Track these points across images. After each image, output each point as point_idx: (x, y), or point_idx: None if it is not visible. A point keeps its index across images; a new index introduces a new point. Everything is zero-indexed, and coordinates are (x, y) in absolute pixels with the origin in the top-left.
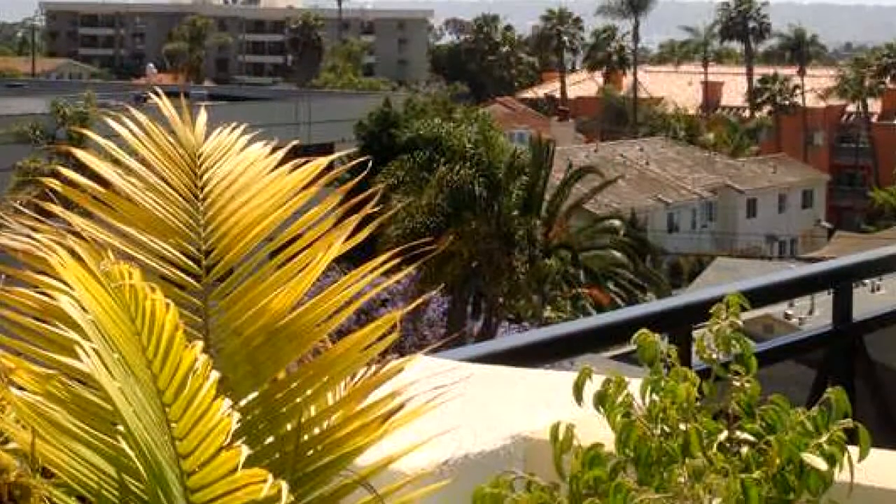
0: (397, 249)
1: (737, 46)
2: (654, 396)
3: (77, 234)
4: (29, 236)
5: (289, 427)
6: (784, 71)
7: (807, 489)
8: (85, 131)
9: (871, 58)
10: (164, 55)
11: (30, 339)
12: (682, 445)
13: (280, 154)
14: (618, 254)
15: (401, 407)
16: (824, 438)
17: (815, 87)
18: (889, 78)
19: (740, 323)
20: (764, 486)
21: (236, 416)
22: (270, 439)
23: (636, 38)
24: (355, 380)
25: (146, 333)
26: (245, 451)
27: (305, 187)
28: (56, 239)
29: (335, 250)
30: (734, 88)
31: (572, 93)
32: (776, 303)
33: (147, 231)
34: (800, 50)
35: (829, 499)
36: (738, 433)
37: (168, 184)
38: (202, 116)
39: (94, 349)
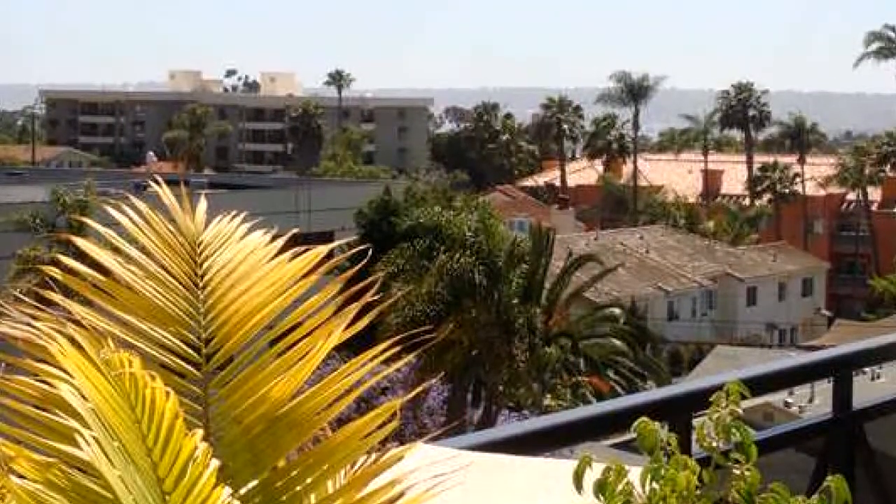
0: (397, 337)
1: (737, 134)
2: (655, 485)
3: (77, 323)
4: (29, 324)
5: None
6: (784, 159)
7: None
8: (85, 219)
9: (871, 146)
10: (164, 143)
11: (30, 427)
12: None
13: (280, 242)
14: (618, 342)
15: (401, 495)
16: None
17: (815, 175)
18: (889, 166)
19: (740, 411)
20: None
21: None
22: None
23: (636, 126)
24: (355, 468)
25: (146, 421)
26: None
27: (305, 275)
28: (56, 327)
29: (335, 338)
30: (734, 176)
31: (572, 181)
32: (776, 391)
33: (147, 319)
34: (800, 138)
35: None
36: None
37: (168, 272)
38: (202, 204)
39: (94, 437)
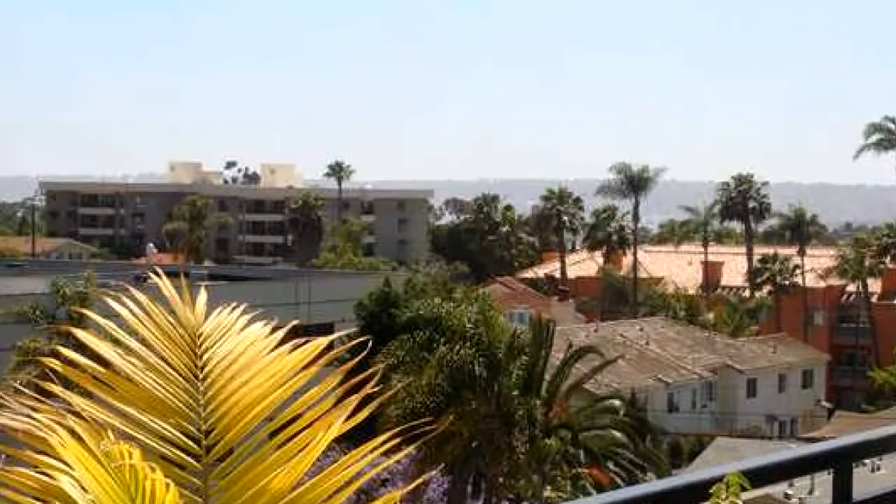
0: (397, 429)
1: (737, 226)
2: None
3: (77, 414)
4: (29, 416)
5: None
6: (784, 251)
7: None
8: (85, 311)
9: (871, 237)
10: (164, 235)
11: None
12: None
13: (280, 334)
14: (618, 434)
15: None
16: None
17: (815, 266)
18: (889, 258)
19: (740, 503)
20: None
21: None
22: None
23: (636, 217)
24: None
25: None
26: None
27: (305, 367)
28: (56, 419)
29: (335, 430)
30: (734, 268)
31: (572, 272)
32: (776, 483)
33: (147, 411)
34: (800, 230)
35: None
36: None
37: (168, 363)
38: (202, 296)
39: None
